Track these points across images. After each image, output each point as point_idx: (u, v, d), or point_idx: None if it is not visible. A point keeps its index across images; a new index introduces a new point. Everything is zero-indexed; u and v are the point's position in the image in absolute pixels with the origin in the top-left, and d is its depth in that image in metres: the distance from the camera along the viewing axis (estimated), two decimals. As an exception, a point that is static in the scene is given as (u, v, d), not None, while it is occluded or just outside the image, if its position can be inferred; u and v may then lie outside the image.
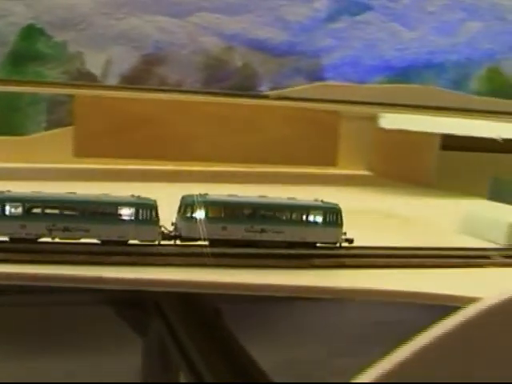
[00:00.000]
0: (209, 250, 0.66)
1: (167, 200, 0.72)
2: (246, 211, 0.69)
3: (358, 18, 2.28)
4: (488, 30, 2.41)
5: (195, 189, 1.53)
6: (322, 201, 0.75)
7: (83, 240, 0.64)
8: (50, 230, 0.62)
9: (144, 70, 2.06)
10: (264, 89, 2.22)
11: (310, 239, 0.71)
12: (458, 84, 2.40)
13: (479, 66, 2.41)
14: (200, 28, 2.10)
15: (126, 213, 0.65)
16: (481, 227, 0.84)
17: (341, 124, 1.74)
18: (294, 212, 0.71)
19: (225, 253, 0.65)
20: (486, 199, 1.44)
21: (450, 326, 0.62)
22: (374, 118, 1.79)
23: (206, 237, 0.67)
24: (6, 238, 0.63)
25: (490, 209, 1.19)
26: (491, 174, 1.51)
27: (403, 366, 0.61)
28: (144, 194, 0.70)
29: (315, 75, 2.26)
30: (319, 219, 0.71)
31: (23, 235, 0.62)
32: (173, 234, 0.70)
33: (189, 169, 1.56)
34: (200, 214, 0.67)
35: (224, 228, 0.67)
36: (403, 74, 2.35)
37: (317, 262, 0.69)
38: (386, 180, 1.82)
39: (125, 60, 2.05)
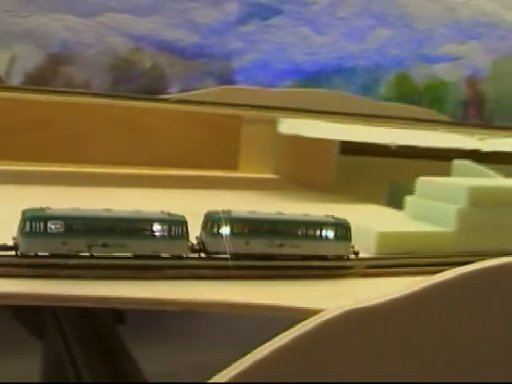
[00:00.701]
0: (233, 262, 0.73)
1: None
2: (266, 227, 0.75)
3: (269, 21, 2.30)
4: (396, 37, 2.46)
5: (91, 192, 1.51)
6: (332, 216, 0.81)
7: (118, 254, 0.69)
8: (90, 246, 0.67)
9: (50, 69, 2.03)
10: (173, 91, 2.21)
11: (321, 252, 0.78)
12: (368, 89, 2.44)
13: (388, 71, 2.46)
14: (108, 28, 2.09)
15: (159, 229, 0.70)
16: (356, 234, 0.86)
17: (245, 127, 1.75)
18: (309, 228, 0.77)
19: (248, 265, 0.73)
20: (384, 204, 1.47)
21: (288, 339, 0.63)
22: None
23: (232, 251, 0.73)
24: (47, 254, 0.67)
25: (370, 216, 1.22)
26: (392, 179, 1.55)
27: (241, 376, 0.62)
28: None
29: (225, 78, 2.27)
30: (331, 234, 0.78)
31: (64, 251, 0.66)
32: (198, 248, 0.74)
33: (85, 171, 1.55)
34: (225, 229, 0.73)
35: (247, 243, 0.73)
36: (313, 78, 2.37)
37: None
38: (289, 184, 1.84)
39: (30, 58, 2.01)
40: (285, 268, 0.77)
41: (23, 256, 0.66)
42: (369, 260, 0.88)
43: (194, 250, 0.74)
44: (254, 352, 0.62)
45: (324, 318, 0.64)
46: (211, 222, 0.74)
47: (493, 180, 1.24)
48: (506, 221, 1.00)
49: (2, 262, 0.66)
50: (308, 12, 2.35)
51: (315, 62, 2.36)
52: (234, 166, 1.74)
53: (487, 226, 1.00)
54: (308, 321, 0.63)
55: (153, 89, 2.14)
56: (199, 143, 1.69)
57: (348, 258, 0.81)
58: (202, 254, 0.75)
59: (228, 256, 0.73)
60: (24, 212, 0.68)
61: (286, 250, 0.76)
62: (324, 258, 0.79)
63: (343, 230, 0.80)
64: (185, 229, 0.73)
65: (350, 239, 0.81)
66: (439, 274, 0.71)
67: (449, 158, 1.68)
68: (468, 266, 0.71)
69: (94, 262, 0.69)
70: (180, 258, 0.74)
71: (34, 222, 0.66)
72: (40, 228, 0.66)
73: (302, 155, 1.83)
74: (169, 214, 0.73)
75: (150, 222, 0.70)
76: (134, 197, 1.41)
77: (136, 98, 1.60)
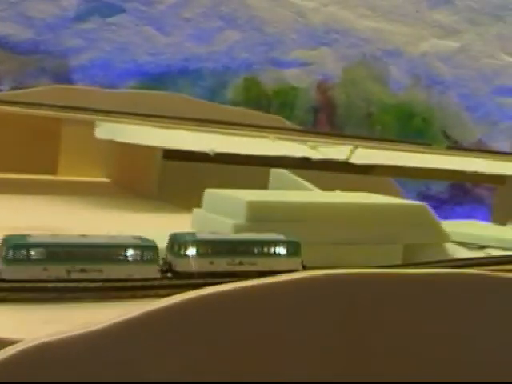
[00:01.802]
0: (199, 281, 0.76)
1: None
2: (227, 247, 0.81)
3: (110, 19, 2.22)
4: (246, 41, 2.43)
5: None
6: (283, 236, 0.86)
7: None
8: (69, 272, 0.71)
9: None
10: (5, 88, 2.09)
11: (276, 268, 0.82)
12: (215, 92, 2.40)
13: (236, 75, 2.42)
14: None
15: (133, 254, 0.75)
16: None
17: (65, 130, 1.66)
18: (265, 246, 0.83)
19: (211, 283, 0.72)
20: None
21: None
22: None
23: (198, 271, 0.78)
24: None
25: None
26: (214, 185, 1.49)
27: None
28: None
29: (62, 77, 2.17)
30: (283, 251, 0.84)
31: (45, 277, 0.70)
32: (165, 269, 0.79)
33: None
34: (192, 251, 0.78)
35: (211, 262, 0.79)
36: (158, 79, 2.31)
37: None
38: (117, 189, 1.77)
39: None
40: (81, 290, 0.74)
41: (4, 281, 0.69)
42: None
43: (162, 272, 0.78)
44: None
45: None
46: (178, 244, 0.80)
47: (279, 194, 1.21)
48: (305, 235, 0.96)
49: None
50: (152, 11, 2.28)
51: (159, 63, 2.29)
52: (52, 170, 1.66)
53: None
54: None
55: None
56: (15, 145, 1.60)
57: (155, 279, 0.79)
58: (169, 275, 0.79)
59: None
60: (6, 239, 0.71)
61: (249, 268, 0.82)
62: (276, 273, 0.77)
63: (294, 247, 0.86)
64: (156, 253, 0.77)
65: (300, 255, 0.86)
66: (163, 300, 0.66)
67: (281, 165, 1.65)
68: (199, 290, 0.67)
69: (71, 285, 0.72)
70: (151, 279, 0.77)
71: (16, 249, 0.69)
72: (23, 255, 0.70)
73: (130, 160, 1.77)
74: (141, 240, 0.78)
75: (124, 247, 0.75)
76: None
77: None
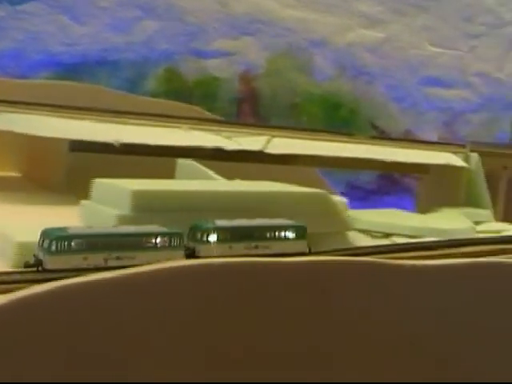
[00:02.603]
0: None
1: None
2: (245, 232, 0.90)
3: (21, 7, 2.13)
4: (165, 30, 2.37)
5: None
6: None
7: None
8: (106, 260, 0.77)
9: None
10: None
11: (287, 251, 0.89)
12: (135, 84, 2.34)
13: (156, 65, 2.37)
14: None
15: (160, 241, 0.82)
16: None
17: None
18: (276, 231, 0.91)
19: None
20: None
21: None
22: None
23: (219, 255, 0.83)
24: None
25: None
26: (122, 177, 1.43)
27: None
28: None
29: (-30, 67, 2.08)
30: (292, 235, 0.93)
31: (85, 266, 0.75)
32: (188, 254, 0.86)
33: None
34: (213, 237, 0.87)
35: (230, 247, 0.87)
36: (73, 70, 2.23)
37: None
38: (26, 183, 1.70)
39: None
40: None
41: (46, 271, 0.74)
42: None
43: (187, 257, 0.85)
44: None
45: None
46: (200, 231, 0.87)
47: (168, 183, 1.16)
48: (174, 226, 0.92)
49: (27, 278, 0.73)
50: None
51: (75, 54, 2.22)
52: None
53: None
54: None
55: None
56: None
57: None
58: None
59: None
60: (46, 232, 0.77)
61: (264, 251, 0.89)
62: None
63: (302, 231, 0.95)
64: (181, 240, 0.84)
65: (306, 239, 0.95)
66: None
67: (195, 157, 1.61)
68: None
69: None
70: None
71: (59, 241, 0.75)
72: (65, 246, 0.76)
73: (38, 153, 1.70)
74: (168, 228, 0.85)
75: (155, 235, 0.82)
76: None
77: None
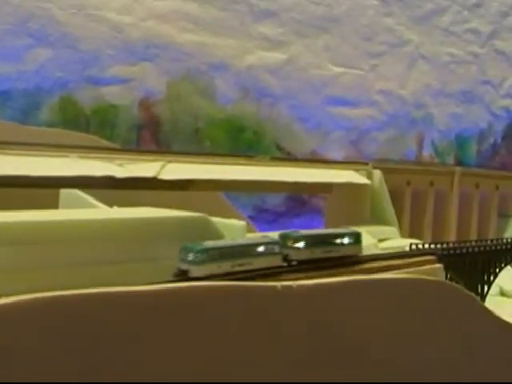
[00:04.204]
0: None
1: None
2: (321, 239, 1.29)
3: None
4: (58, 58, 2.31)
5: None
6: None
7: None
8: (233, 266, 1.03)
9: None
10: None
11: (348, 253, 1.27)
12: (28, 114, 2.26)
13: (50, 95, 2.29)
14: None
15: (267, 248, 1.14)
16: None
17: None
18: (340, 237, 1.29)
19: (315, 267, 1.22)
20: None
21: None
22: None
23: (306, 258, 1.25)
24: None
25: None
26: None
27: None
28: None
29: None
30: (350, 240, 1.28)
31: (218, 272, 1.00)
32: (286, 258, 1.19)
33: None
34: (300, 244, 1.25)
35: (312, 252, 1.26)
36: (-40, 102, 2.15)
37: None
38: None
39: None
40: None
41: (192, 279, 0.95)
42: None
43: (285, 261, 1.14)
44: None
45: None
46: (291, 239, 1.18)
47: (35, 214, 1.11)
48: (37, 260, 0.86)
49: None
50: None
51: (-39, 85, 2.14)
52: None
53: (17, 267, 0.86)
54: None
55: None
56: None
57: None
58: (293, 263, 1.16)
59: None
60: (187, 247, 1.00)
61: (334, 254, 1.18)
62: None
63: (356, 237, 1.29)
64: (279, 247, 1.14)
65: (360, 243, 1.30)
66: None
67: (87, 186, 1.55)
68: None
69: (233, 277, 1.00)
70: (279, 267, 1.12)
71: (201, 253, 0.98)
72: (205, 257, 0.99)
73: None
74: (269, 238, 1.15)
75: (265, 244, 1.08)
76: None
77: None
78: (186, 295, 0.75)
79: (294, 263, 1.18)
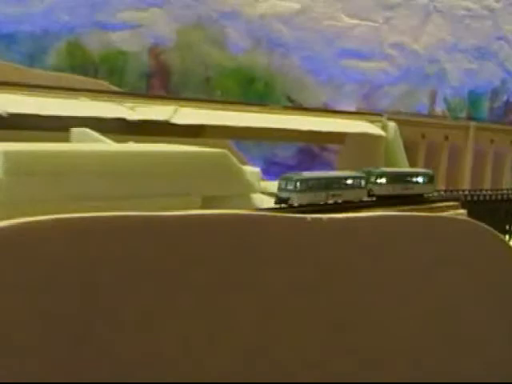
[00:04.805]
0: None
1: None
2: (400, 177, 1.22)
3: None
4: (66, 1, 2.23)
5: None
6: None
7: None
8: (327, 197, 1.05)
9: None
10: None
11: (421, 192, 1.23)
12: (34, 58, 2.19)
13: (58, 39, 2.22)
14: None
15: (353, 182, 1.11)
16: None
17: None
18: (414, 176, 1.23)
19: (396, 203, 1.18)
20: None
21: None
22: None
23: (388, 194, 1.18)
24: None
25: None
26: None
27: None
28: None
29: None
30: (423, 179, 1.21)
31: (315, 201, 1.02)
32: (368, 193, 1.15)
33: None
34: (383, 180, 1.18)
35: (391, 187, 1.19)
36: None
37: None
38: None
39: None
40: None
41: (294, 207, 0.99)
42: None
43: (370, 195, 1.14)
44: None
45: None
46: (375, 175, 1.15)
47: (48, 145, 1.05)
48: (55, 191, 0.81)
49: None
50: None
51: (-36, 26, 2.08)
52: None
53: (28, 198, 0.81)
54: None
55: None
56: None
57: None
58: (374, 198, 1.15)
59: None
60: (289, 176, 1.01)
61: (410, 191, 1.21)
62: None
63: (430, 176, 1.24)
64: (365, 182, 1.12)
65: (434, 183, 1.27)
66: None
67: (98, 130, 1.49)
68: None
69: (328, 207, 1.04)
70: (365, 201, 1.13)
71: (303, 182, 1.00)
72: (306, 186, 1.00)
73: None
74: (355, 172, 1.13)
75: (349, 178, 1.09)
76: None
77: None
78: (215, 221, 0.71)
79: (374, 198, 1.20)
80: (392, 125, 2.44)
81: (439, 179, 2.41)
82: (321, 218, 0.75)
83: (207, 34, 2.60)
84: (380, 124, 2.41)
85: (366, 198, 1.16)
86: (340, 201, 1.10)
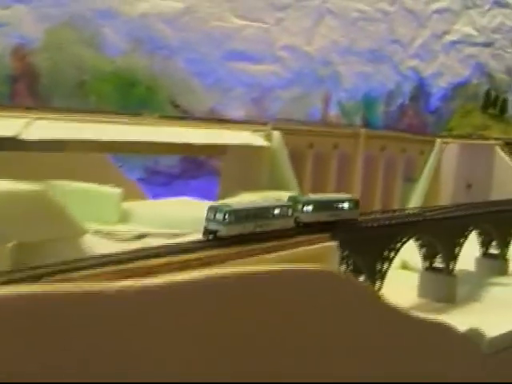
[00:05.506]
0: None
1: None
2: (327, 204, 1.36)
3: None
4: None
5: None
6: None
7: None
8: (255, 227, 1.14)
9: None
10: None
11: (347, 218, 1.37)
12: None
13: None
14: None
15: (280, 211, 1.21)
16: None
17: None
18: (340, 203, 1.37)
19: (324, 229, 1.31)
20: None
21: None
22: None
23: (314, 220, 1.32)
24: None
25: None
26: None
27: None
28: None
29: None
30: (346, 206, 1.37)
31: (243, 231, 1.12)
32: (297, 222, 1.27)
33: None
34: (309, 208, 1.31)
35: (319, 214, 1.34)
36: None
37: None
38: None
39: None
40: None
41: (221, 238, 1.11)
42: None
43: (296, 223, 1.26)
44: None
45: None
46: (301, 203, 1.28)
47: None
48: None
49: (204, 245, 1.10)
50: None
51: None
52: None
53: None
54: None
55: None
56: None
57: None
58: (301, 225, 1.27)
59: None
60: (215, 207, 1.13)
61: (336, 217, 1.34)
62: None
63: (354, 202, 1.38)
64: (291, 211, 1.25)
65: (358, 208, 1.40)
66: None
67: None
68: None
69: (256, 237, 1.15)
70: (292, 229, 1.24)
71: (231, 214, 1.11)
72: (233, 218, 1.11)
73: None
74: (281, 202, 1.27)
75: (276, 207, 1.21)
76: None
77: None
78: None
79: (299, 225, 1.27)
80: (276, 134, 2.32)
81: (328, 192, 2.30)
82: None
83: (81, 35, 2.41)
84: (263, 134, 2.30)
85: (292, 226, 1.25)
86: (268, 230, 1.18)
